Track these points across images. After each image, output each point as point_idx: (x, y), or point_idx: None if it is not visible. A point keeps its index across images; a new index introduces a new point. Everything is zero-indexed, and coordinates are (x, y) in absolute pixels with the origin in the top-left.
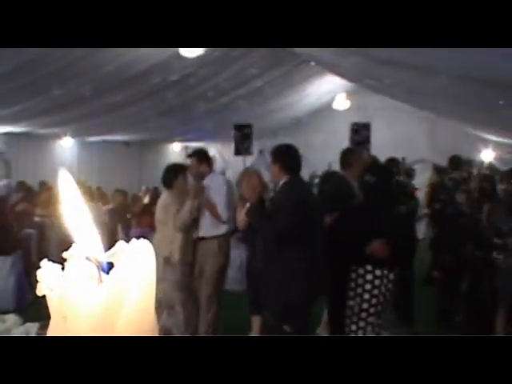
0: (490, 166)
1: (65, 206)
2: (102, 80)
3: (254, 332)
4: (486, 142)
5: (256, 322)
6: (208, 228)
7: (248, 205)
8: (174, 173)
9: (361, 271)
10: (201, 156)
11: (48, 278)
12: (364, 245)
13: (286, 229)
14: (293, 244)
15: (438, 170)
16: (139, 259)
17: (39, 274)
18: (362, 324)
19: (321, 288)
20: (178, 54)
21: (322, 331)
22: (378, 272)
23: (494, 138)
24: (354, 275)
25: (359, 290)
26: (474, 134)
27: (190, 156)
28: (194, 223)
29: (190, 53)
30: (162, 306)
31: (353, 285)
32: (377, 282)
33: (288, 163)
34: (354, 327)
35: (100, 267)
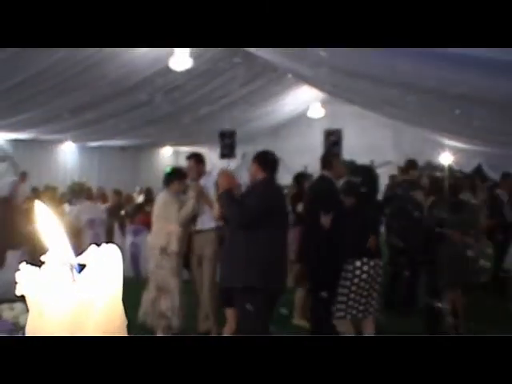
0: (449, 168)
1: (40, 222)
2: (100, 91)
3: (229, 325)
4: (443, 147)
5: (230, 314)
6: (205, 221)
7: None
8: (173, 175)
9: (358, 263)
10: (198, 158)
11: (26, 279)
12: (361, 240)
13: (252, 214)
14: (256, 230)
15: (402, 171)
16: (107, 262)
17: (17, 275)
18: (351, 303)
19: (279, 275)
20: (168, 67)
21: (297, 317)
22: (371, 262)
23: (450, 142)
24: (351, 267)
25: (356, 280)
26: (433, 139)
27: (188, 158)
28: (193, 218)
29: (179, 66)
30: (159, 290)
31: (350, 275)
32: (371, 271)
33: (265, 164)
34: (346, 309)
35: (73, 269)
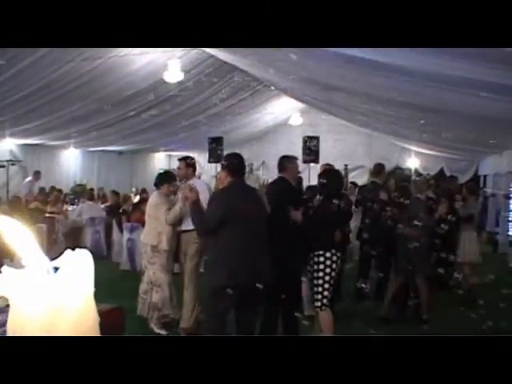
0: (416, 171)
1: (8, 234)
2: (100, 101)
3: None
4: (410, 152)
5: None
6: (190, 223)
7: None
8: (164, 178)
9: (328, 254)
10: (188, 162)
11: (6, 281)
12: (331, 233)
13: (211, 222)
14: (220, 234)
15: (372, 174)
16: (80, 265)
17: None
18: (326, 294)
19: (247, 274)
20: (162, 79)
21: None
22: (338, 254)
23: (416, 149)
24: (322, 258)
25: (328, 270)
26: (401, 145)
27: (180, 160)
28: (181, 219)
29: (172, 78)
30: (151, 284)
31: (322, 266)
32: (339, 261)
33: (233, 169)
34: (322, 299)
35: (48, 272)
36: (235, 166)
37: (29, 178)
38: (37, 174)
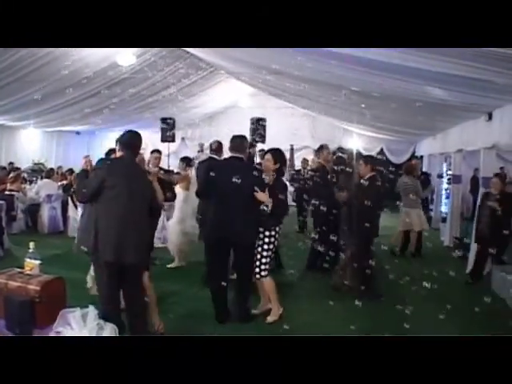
0: (358, 153)
1: None
2: (58, 83)
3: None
4: (352, 134)
5: None
6: None
7: None
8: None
9: (277, 229)
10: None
11: None
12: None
13: (88, 189)
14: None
15: (316, 154)
16: None
17: None
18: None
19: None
20: (116, 62)
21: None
22: (281, 227)
23: (357, 130)
24: (273, 232)
25: (276, 243)
26: (343, 127)
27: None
28: None
29: (125, 62)
30: None
31: (273, 239)
32: (278, 236)
33: (122, 144)
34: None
35: None
36: (125, 141)
37: None
38: None
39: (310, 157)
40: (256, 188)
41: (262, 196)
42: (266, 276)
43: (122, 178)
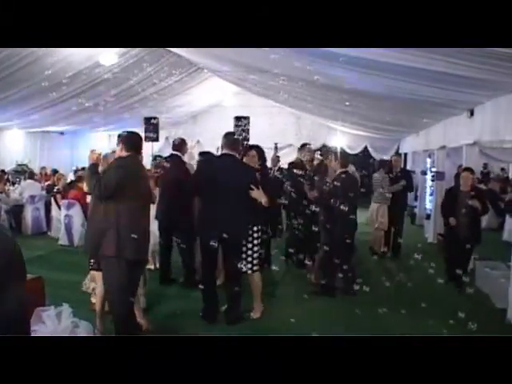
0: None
1: None
2: (40, 83)
3: (99, 285)
4: (336, 132)
5: (98, 276)
6: None
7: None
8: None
9: (260, 226)
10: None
11: None
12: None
13: (107, 187)
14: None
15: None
16: None
17: None
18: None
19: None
20: (98, 62)
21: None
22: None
23: (342, 128)
24: (256, 228)
25: (260, 239)
26: (328, 125)
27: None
28: None
29: (108, 61)
30: None
31: (256, 235)
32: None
33: (128, 144)
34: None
35: None
36: (133, 142)
37: None
38: None
39: (294, 155)
40: (252, 186)
41: (257, 193)
42: (257, 271)
43: (138, 179)
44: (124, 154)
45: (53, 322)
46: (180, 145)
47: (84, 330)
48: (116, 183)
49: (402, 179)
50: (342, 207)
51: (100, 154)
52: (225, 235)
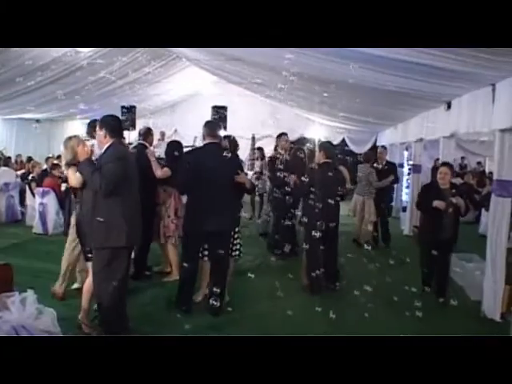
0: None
1: None
2: (16, 70)
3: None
4: (314, 123)
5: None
6: None
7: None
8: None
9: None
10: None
11: None
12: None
13: (111, 179)
14: (115, 193)
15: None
16: None
17: None
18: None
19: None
20: (76, 49)
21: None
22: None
23: (320, 120)
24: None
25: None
26: (305, 116)
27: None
28: None
29: (85, 48)
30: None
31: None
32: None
33: (112, 130)
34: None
35: None
36: (115, 127)
37: None
38: None
39: (272, 145)
40: (239, 171)
41: (242, 178)
42: (235, 256)
43: (135, 169)
44: (108, 140)
45: (17, 309)
46: (145, 134)
47: (47, 316)
48: (120, 177)
49: (390, 174)
50: (323, 197)
51: (93, 146)
52: (222, 225)
